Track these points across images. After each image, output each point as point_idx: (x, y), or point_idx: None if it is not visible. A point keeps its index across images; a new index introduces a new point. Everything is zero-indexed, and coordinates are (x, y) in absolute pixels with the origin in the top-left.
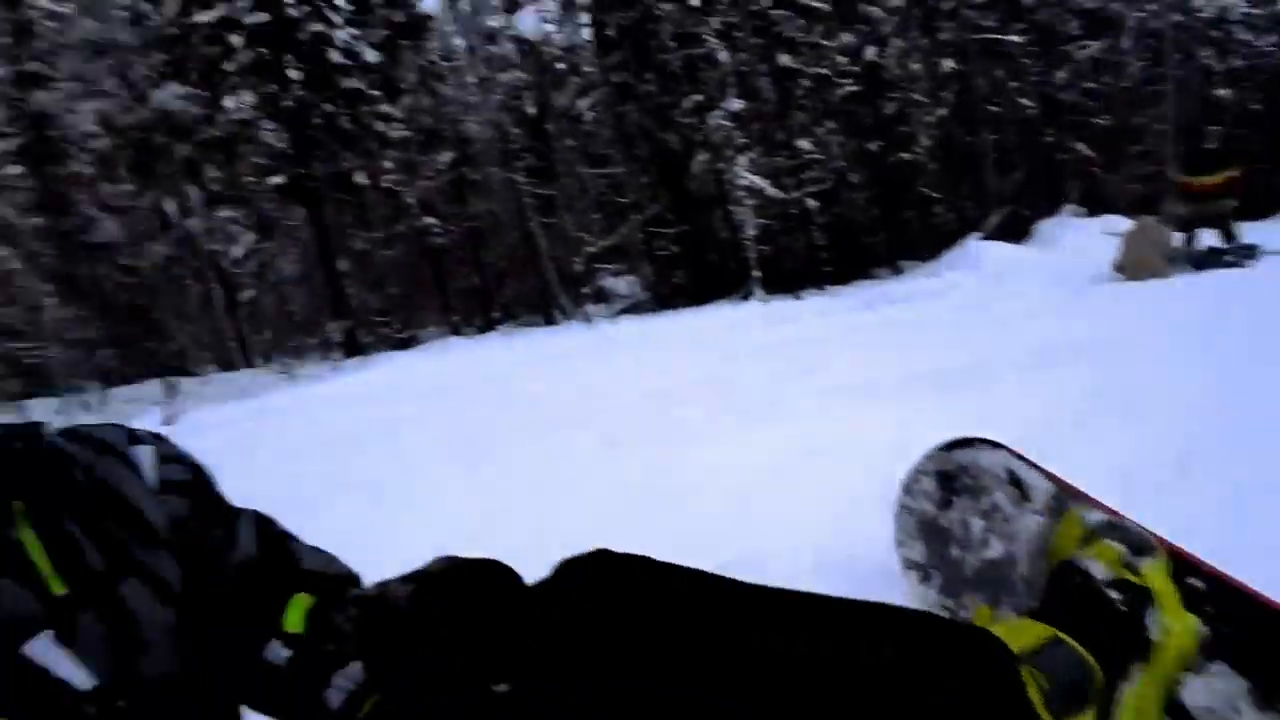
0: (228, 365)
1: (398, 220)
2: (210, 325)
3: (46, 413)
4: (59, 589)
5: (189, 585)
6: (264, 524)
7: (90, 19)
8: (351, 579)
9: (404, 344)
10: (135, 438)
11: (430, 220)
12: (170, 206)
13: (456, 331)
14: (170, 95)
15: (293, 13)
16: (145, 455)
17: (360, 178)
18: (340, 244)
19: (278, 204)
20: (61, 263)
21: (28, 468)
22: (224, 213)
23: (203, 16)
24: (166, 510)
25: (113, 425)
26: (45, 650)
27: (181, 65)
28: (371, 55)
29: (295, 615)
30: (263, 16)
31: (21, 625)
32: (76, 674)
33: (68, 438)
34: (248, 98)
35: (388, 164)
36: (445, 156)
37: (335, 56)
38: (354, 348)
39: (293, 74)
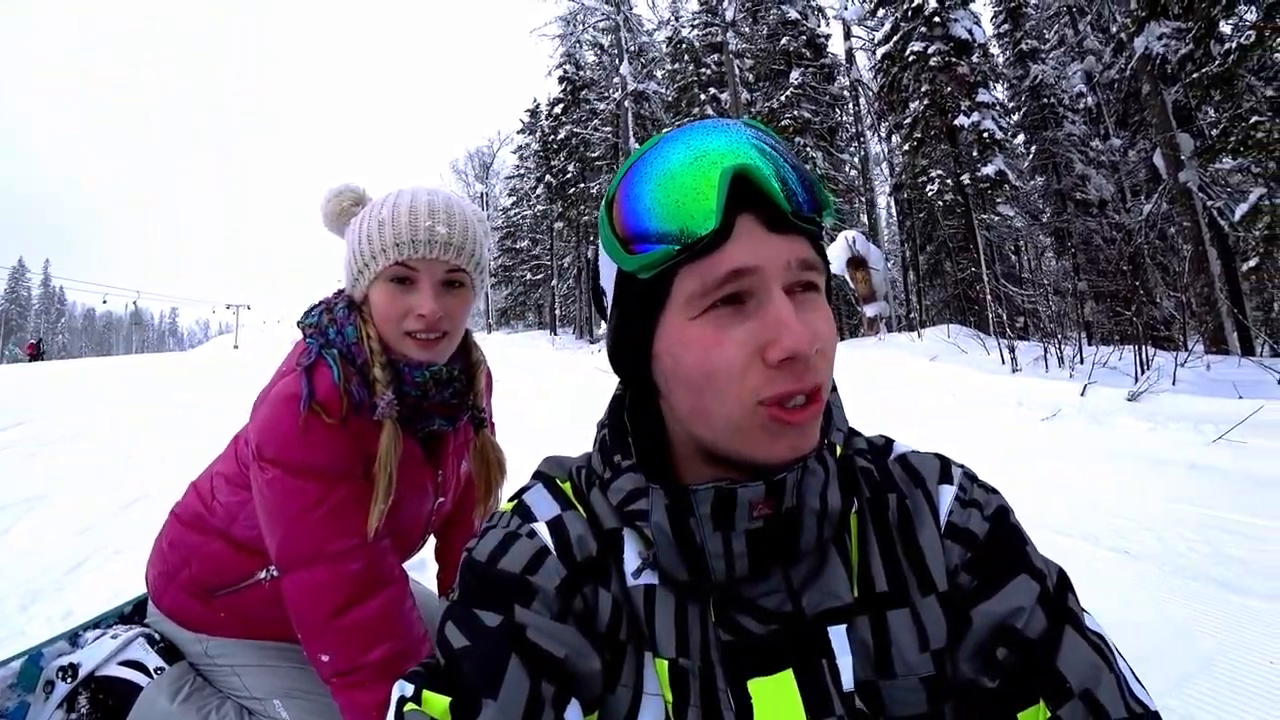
0: (1220, 346)
1: None
2: (1202, 295)
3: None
4: (848, 594)
5: (952, 642)
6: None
7: None
8: None
9: None
10: (946, 474)
11: None
12: (1159, 159)
13: None
14: (1150, 37)
15: None
16: (946, 495)
17: None
18: None
19: None
20: (1057, 218)
21: (864, 478)
22: (1225, 163)
23: None
24: (945, 559)
25: (934, 455)
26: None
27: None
28: None
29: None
30: None
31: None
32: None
33: (901, 461)
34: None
35: None
36: None
37: None
38: None
39: None
